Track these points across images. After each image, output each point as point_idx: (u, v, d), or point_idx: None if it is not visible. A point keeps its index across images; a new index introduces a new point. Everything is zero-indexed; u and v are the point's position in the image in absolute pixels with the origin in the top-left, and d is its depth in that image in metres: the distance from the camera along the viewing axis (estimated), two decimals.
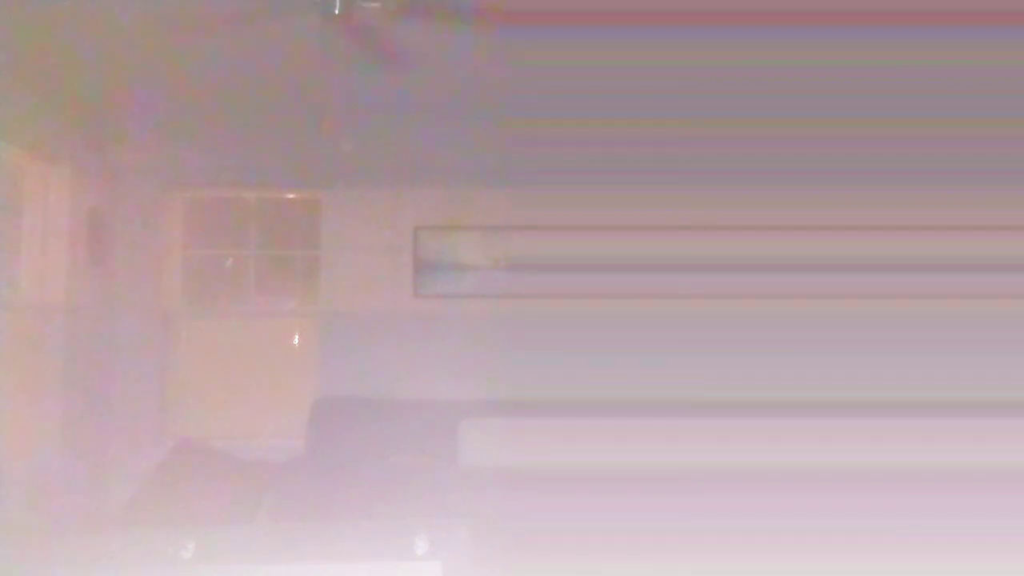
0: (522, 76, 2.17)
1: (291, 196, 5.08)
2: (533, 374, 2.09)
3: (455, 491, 3.89)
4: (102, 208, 4.49)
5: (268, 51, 3.46)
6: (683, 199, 2.05)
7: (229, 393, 4.83)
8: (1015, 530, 1.90)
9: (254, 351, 4.90)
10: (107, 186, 4.57)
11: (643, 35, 2.07)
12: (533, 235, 2.17)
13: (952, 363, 1.95)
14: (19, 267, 3.99)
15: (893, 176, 2.01)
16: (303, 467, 4.28)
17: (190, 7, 3.06)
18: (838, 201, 2.01)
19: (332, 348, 4.79)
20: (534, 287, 2.16)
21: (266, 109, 4.39)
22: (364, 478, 4.04)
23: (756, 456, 1.98)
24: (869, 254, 2.00)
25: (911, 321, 1.97)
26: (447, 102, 4.19)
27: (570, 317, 2.11)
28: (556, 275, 2.12)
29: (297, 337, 4.98)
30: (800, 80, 2.02)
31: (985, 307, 1.97)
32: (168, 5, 3.07)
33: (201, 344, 4.93)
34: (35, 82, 3.83)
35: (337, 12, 2.57)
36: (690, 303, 2.04)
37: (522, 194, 2.19)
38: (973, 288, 1.95)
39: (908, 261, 1.97)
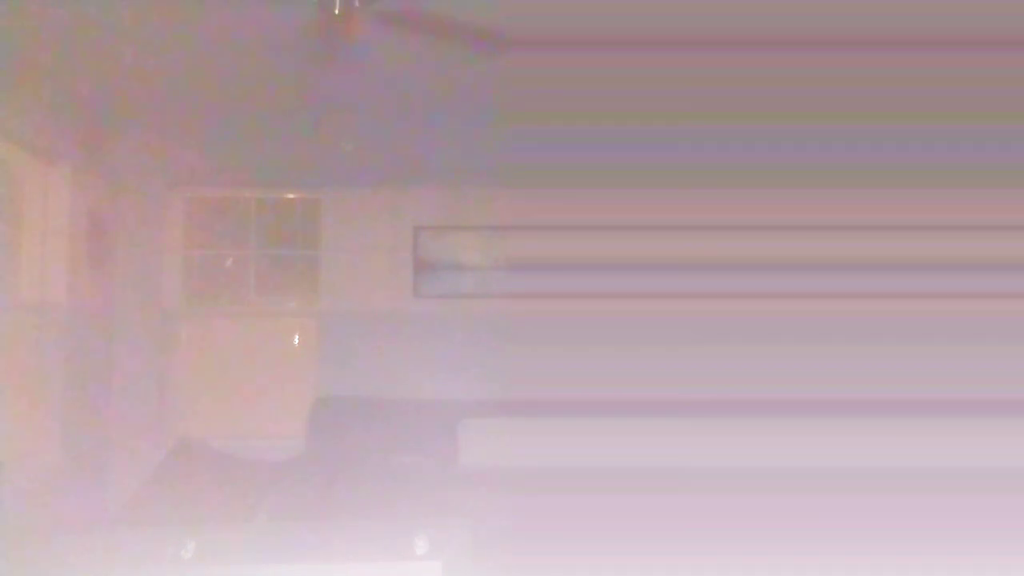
0: (522, 76, 2.17)
1: (291, 196, 5.08)
2: (533, 374, 2.09)
3: (455, 491, 3.89)
4: (102, 208, 4.49)
5: (268, 51, 3.46)
6: (683, 199, 2.05)
7: (229, 393, 4.82)
8: (1015, 530, 1.90)
9: (254, 351, 4.90)
10: (107, 186, 4.57)
11: (643, 36, 2.07)
12: (533, 235, 2.18)
13: (952, 363, 1.95)
14: (19, 267, 3.99)
15: (893, 176, 2.01)
16: (303, 467, 4.28)
17: (190, 7, 3.07)
18: (838, 201, 2.01)
19: (332, 348, 4.79)
20: (534, 287, 2.16)
21: (266, 109, 4.39)
22: (364, 478, 4.04)
23: (756, 456, 1.98)
24: (869, 254, 2.00)
25: (911, 321, 1.97)
26: (447, 102, 4.19)
27: (570, 317, 2.11)
28: (556, 275, 2.12)
29: (297, 337, 4.98)
30: (800, 81, 2.02)
31: (985, 307, 1.97)
32: (168, 5, 3.07)
33: (201, 344, 4.93)
34: (35, 82, 3.83)
35: (337, 12, 2.57)
36: (690, 303, 2.04)
37: (522, 194, 2.19)
38: (973, 288, 1.95)
39: (908, 261, 1.97)
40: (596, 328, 2.09)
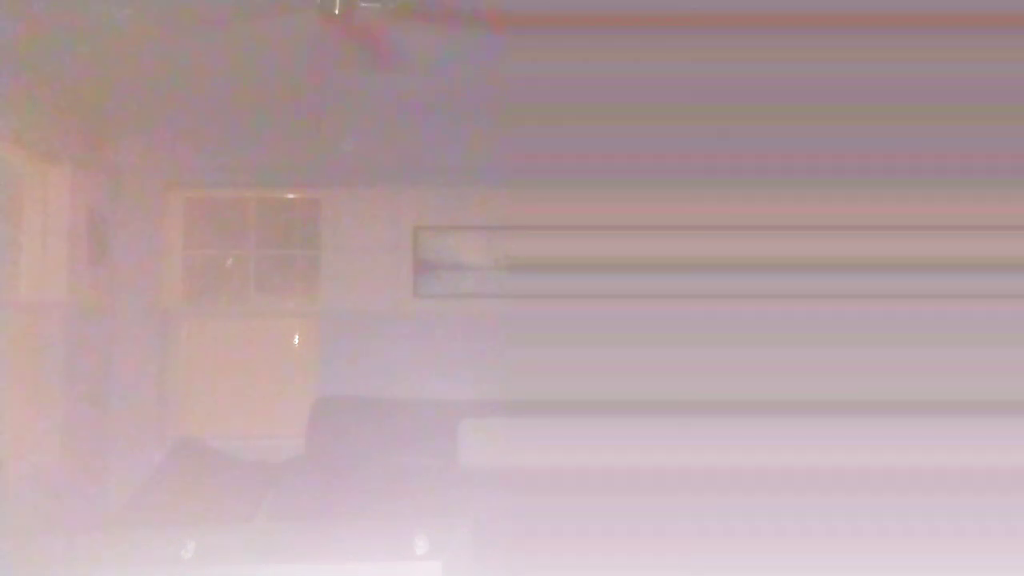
0: (522, 75, 2.17)
1: (291, 196, 5.08)
2: (533, 374, 2.08)
3: (455, 491, 3.89)
4: (102, 208, 4.48)
5: (268, 51, 3.46)
6: (683, 199, 2.05)
7: (229, 393, 4.82)
8: (1015, 530, 1.90)
9: (254, 351, 4.89)
10: (107, 186, 4.57)
11: (643, 35, 2.07)
12: (533, 235, 2.18)
13: (952, 363, 1.95)
14: (19, 267, 3.99)
15: (893, 176, 2.01)
16: (303, 467, 4.28)
17: (190, 6, 3.07)
18: (838, 201, 2.01)
19: (332, 348, 4.79)
20: (534, 287, 2.16)
21: (266, 109, 4.39)
22: (364, 478, 4.04)
23: (756, 456, 1.98)
24: (869, 254, 2.00)
25: (911, 321, 1.97)
26: (447, 102, 4.19)
27: (570, 317, 2.11)
28: (556, 275, 2.12)
29: (297, 337, 4.98)
30: (800, 80, 2.02)
31: (985, 307, 1.97)
32: (168, 4, 3.07)
33: (201, 344, 4.93)
34: (35, 82, 3.83)
35: (337, 12, 2.57)
36: (690, 303, 2.04)
37: (522, 194, 2.19)
38: (973, 288, 1.95)
39: (908, 261, 1.97)
40: (596, 328, 2.09)
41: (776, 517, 1.95)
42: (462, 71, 3.69)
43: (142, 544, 2.78)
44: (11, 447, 3.71)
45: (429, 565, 2.43)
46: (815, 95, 2.02)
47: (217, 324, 4.99)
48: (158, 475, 3.98)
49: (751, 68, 2.03)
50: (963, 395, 1.93)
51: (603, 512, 2.01)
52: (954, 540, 1.90)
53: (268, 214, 5.07)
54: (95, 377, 4.44)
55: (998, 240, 1.97)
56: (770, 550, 1.95)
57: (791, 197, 2.01)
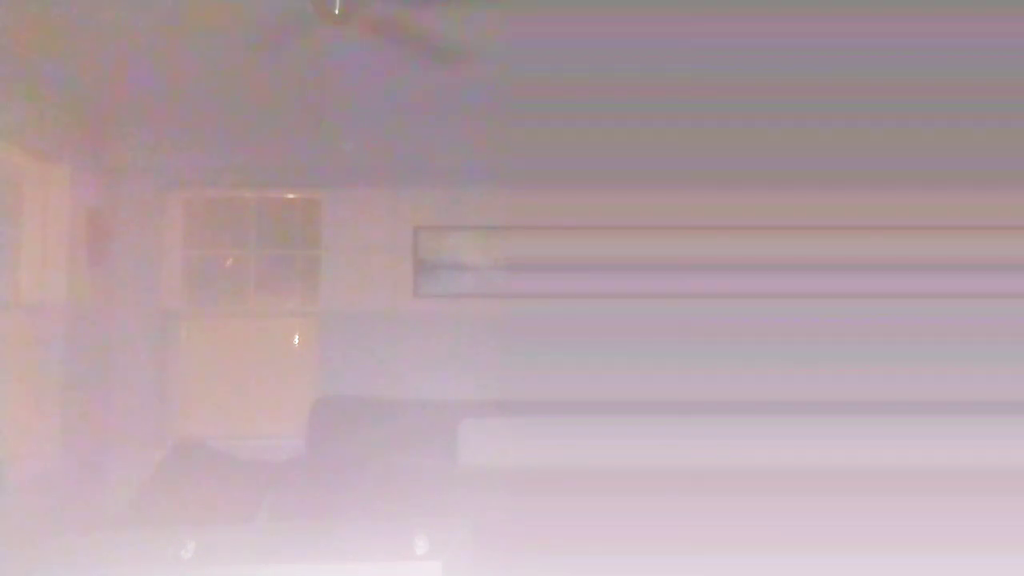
0: (522, 76, 2.17)
1: (291, 196, 5.08)
2: (533, 374, 2.09)
3: (455, 491, 3.89)
4: (102, 208, 4.48)
5: (268, 51, 3.45)
6: (683, 199, 2.05)
7: (229, 393, 4.82)
8: (1015, 530, 1.90)
9: (254, 351, 4.89)
10: (107, 186, 4.57)
11: (642, 35, 2.07)
12: (533, 235, 2.18)
13: (952, 363, 1.95)
14: (19, 267, 3.99)
15: (893, 176, 2.01)
16: (303, 467, 4.28)
17: (190, 6, 3.07)
18: (838, 201, 2.01)
19: (332, 348, 4.79)
20: (534, 287, 2.16)
21: (266, 109, 4.39)
22: (364, 478, 4.04)
23: (756, 456, 1.98)
24: (869, 254, 2.00)
25: (911, 321, 1.97)
26: (448, 102, 4.19)
27: (569, 317, 2.11)
28: (556, 275, 2.12)
29: (297, 337, 4.98)
30: (800, 80, 2.02)
31: (985, 307, 1.97)
32: (168, 6, 3.07)
33: (201, 344, 4.93)
34: (35, 82, 3.83)
35: (337, 12, 2.57)
36: (690, 303, 2.04)
37: (522, 194, 2.19)
38: (973, 288, 1.95)
39: (908, 261, 1.97)
40: (595, 328, 2.09)
41: (776, 517, 1.95)
42: (462, 71, 3.68)
43: (142, 544, 2.78)
44: (11, 447, 3.71)
45: (429, 565, 2.43)
46: (817, 92, 2.02)
47: (217, 324, 4.99)
48: (158, 475, 3.98)
49: (750, 69, 2.03)
50: (963, 395, 1.93)
51: (601, 511, 2.01)
52: (954, 540, 1.90)
53: (268, 214, 5.07)
54: (95, 377, 4.44)
55: (998, 240, 1.97)
56: (770, 550, 1.95)
57: (791, 197, 2.01)
